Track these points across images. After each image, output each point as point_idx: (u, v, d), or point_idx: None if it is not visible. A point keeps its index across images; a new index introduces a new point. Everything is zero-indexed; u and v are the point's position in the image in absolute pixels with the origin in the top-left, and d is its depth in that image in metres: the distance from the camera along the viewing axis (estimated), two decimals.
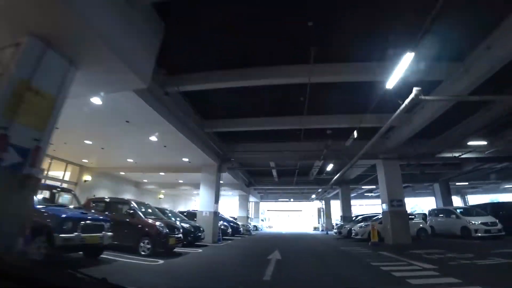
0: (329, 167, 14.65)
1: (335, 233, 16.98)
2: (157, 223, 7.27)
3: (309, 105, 8.44)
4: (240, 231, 17.05)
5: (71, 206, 6.39)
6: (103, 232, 5.77)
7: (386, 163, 11.48)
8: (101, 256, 6.14)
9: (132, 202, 7.94)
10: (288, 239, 15.71)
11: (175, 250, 8.17)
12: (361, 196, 27.50)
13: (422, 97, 6.19)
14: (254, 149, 12.54)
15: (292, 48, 6.57)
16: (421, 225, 12.15)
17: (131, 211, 7.59)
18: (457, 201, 25.60)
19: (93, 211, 7.97)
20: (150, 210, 8.57)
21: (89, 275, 1.14)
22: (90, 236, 5.43)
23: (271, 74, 7.02)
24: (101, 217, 6.10)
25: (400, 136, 9.80)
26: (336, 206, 27.41)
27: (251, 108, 9.65)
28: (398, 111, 6.76)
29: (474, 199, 28.78)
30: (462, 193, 27.78)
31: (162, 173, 16.67)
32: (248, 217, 24.13)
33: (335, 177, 15.24)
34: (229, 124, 10.31)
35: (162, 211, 10.69)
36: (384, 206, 11.11)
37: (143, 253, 6.98)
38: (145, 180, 20.92)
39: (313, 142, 11.86)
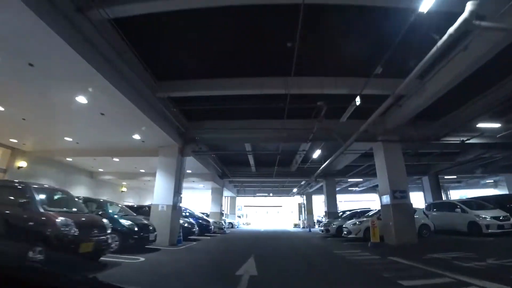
0: (316, 153, 12.47)
1: (321, 231, 14.90)
2: (59, 219, 4.53)
3: (298, 61, 6.10)
4: (211, 229, 14.46)
5: None
6: None
7: (386, 147, 9.40)
8: None
9: (31, 187, 5.13)
10: (267, 239, 13.33)
11: (102, 258, 5.53)
12: (345, 190, 25.85)
13: (477, 22, 4.03)
14: (226, 127, 9.99)
15: None
16: (423, 221, 10.27)
17: (24, 201, 4.81)
18: None
19: None
20: (68, 201, 5.81)
21: (79, 274, 1.05)
22: None
23: None
24: None
25: (412, 107, 7.72)
26: (318, 202, 25.62)
27: (220, 64, 7.15)
28: (437, 46, 4.55)
29: (455, 194, 28.52)
30: (444, 188, 27.11)
31: (116, 159, 13.69)
32: (222, 213, 21.54)
33: (324, 165, 13.09)
34: (191, 87, 7.66)
35: (102, 203, 7.99)
36: (385, 198, 9.03)
37: None
38: (101, 170, 17.73)
39: (299, 120, 9.58)
